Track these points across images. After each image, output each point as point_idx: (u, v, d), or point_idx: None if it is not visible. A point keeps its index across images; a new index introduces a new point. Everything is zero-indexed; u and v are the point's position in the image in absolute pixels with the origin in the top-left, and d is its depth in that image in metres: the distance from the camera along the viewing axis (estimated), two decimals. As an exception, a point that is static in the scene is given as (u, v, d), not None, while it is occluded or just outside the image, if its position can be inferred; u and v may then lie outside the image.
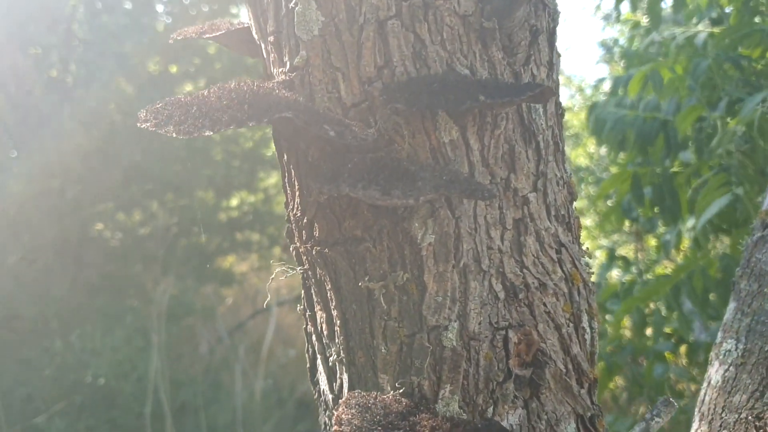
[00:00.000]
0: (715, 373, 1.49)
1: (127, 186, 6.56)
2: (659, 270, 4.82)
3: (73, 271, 6.63)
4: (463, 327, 0.94)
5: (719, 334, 1.53)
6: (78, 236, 6.54)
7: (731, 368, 1.46)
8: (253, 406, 6.08)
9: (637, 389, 3.56)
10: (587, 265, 1.06)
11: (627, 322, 3.37)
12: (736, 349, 1.46)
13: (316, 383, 1.10)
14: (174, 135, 0.79)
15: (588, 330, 1.03)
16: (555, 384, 0.98)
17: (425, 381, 0.93)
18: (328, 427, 1.09)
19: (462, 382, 0.94)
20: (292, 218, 1.01)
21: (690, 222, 3.15)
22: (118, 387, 5.63)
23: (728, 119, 2.66)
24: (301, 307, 1.08)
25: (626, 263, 4.05)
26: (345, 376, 1.00)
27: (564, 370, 0.99)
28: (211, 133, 0.77)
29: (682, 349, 3.60)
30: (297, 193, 0.98)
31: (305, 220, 0.97)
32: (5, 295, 5.76)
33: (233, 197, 7.67)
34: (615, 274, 4.30)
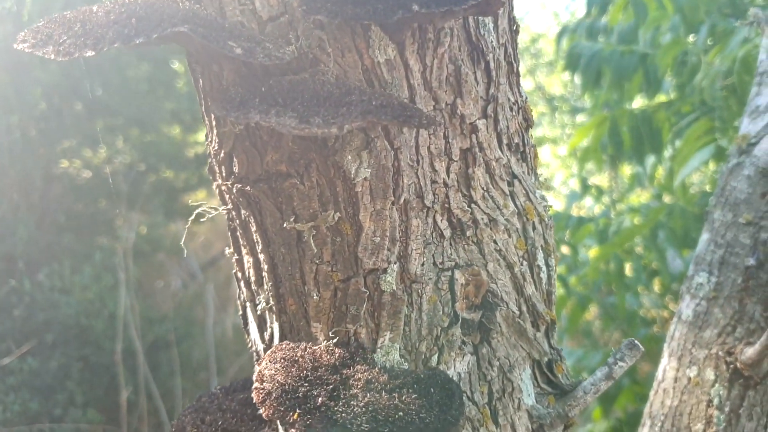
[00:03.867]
0: (685, 307, 1.42)
1: (91, 122, 6.35)
2: (633, 199, 4.77)
3: (40, 210, 6.49)
4: (404, 269, 0.84)
5: (691, 267, 1.46)
6: (43, 174, 6.37)
7: (702, 302, 1.39)
8: (226, 341, 6.05)
9: (609, 321, 3.53)
10: (543, 198, 0.96)
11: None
12: (708, 283, 1.39)
13: (248, 332, 1.00)
14: (53, 57, 0.67)
15: (544, 268, 0.94)
16: (507, 327, 0.90)
17: (362, 329, 0.84)
18: None
19: (403, 328, 0.85)
20: (211, 152, 0.90)
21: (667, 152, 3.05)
22: (89, 325, 5.57)
23: (709, 50, 2.53)
24: (230, 250, 0.98)
25: (599, 192, 3.97)
26: (275, 326, 0.90)
27: (517, 312, 0.91)
28: (93, 53, 0.65)
29: (656, 280, 3.55)
30: (214, 123, 0.86)
31: (223, 154, 0.86)
32: (-30, 236, 5.61)
33: (200, 131, 7.48)
34: (587, 205, 4.23)
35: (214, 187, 0.93)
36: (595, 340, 4.34)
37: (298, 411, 0.71)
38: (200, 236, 8.22)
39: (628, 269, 3.28)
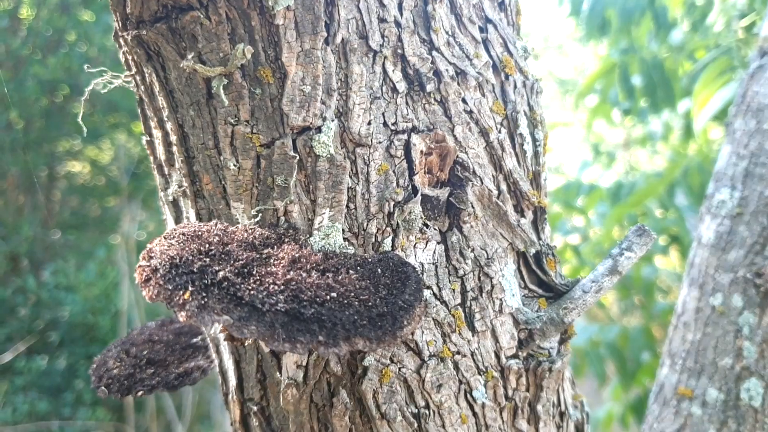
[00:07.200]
0: (706, 229, 1.23)
1: (93, 118, 6.25)
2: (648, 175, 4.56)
3: (44, 208, 6.41)
4: (345, 128, 0.66)
5: (710, 185, 1.27)
6: (47, 172, 6.29)
7: (725, 221, 1.20)
8: (235, 334, 5.90)
9: (624, 292, 3.32)
10: (526, 51, 0.77)
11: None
12: (731, 198, 1.20)
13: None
14: None
15: (529, 139, 0.75)
16: (483, 210, 0.71)
17: (294, 206, 0.66)
18: None
19: (347, 204, 0.66)
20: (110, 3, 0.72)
21: (681, 106, 2.85)
22: (96, 322, 5.47)
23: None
24: (145, 137, 0.80)
25: (610, 158, 3.76)
26: (191, 213, 0.72)
27: (495, 191, 0.72)
28: None
29: (673, 248, 3.35)
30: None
31: (113, -10, 0.68)
32: (-26, 236, 5.52)
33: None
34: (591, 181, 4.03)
35: (121, 57, 0.76)
36: (610, 314, 4.13)
37: (190, 288, 0.53)
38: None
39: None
